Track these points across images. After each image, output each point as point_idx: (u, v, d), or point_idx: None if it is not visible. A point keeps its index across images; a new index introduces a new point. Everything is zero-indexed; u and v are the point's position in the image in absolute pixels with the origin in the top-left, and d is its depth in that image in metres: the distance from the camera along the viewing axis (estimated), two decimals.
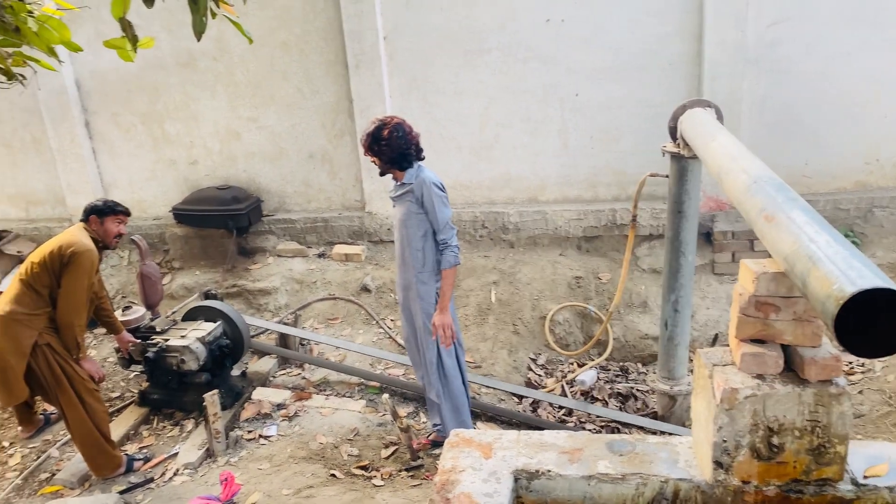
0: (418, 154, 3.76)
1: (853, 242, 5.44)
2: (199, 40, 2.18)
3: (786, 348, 1.99)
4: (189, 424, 4.33)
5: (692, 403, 2.26)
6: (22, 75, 3.05)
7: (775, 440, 1.95)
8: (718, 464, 2.00)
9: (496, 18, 5.64)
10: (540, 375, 5.09)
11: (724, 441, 1.97)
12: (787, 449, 1.96)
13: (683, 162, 3.79)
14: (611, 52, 5.58)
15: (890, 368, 4.49)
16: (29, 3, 2.87)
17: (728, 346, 2.12)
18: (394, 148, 3.63)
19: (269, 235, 6.43)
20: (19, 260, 6.33)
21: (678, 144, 3.72)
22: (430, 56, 5.83)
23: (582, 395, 4.84)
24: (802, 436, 1.94)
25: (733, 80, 5.37)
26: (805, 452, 1.96)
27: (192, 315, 4.59)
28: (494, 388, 4.68)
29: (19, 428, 4.41)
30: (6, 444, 4.39)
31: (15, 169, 6.94)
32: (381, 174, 3.79)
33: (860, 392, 4.46)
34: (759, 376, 1.96)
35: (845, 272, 1.47)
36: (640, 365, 5.24)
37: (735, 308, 2.01)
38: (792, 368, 1.99)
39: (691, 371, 4.28)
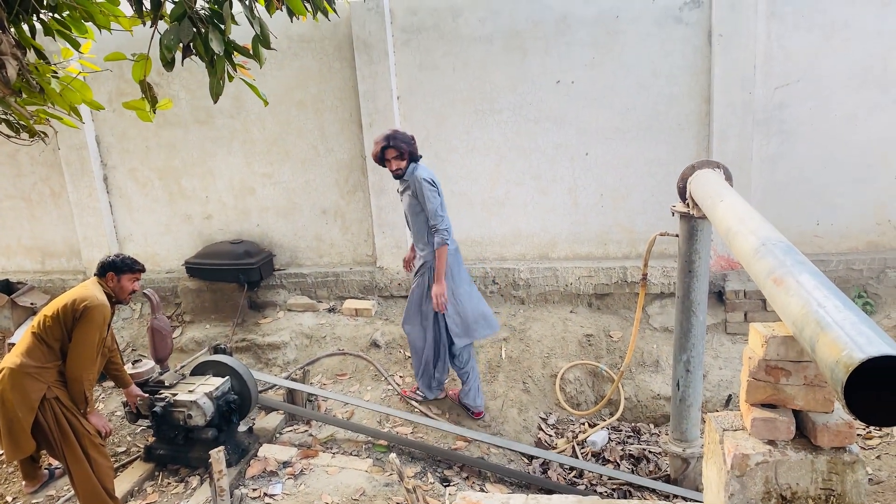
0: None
1: (866, 304, 5.39)
2: (215, 102, 2.24)
3: (797, 413, 1.96)
4: (194, 481, 4.28)
5: (703, 469, 2.22)
6: (44, 132, 3.13)
7: None
8: None
9: (508, 80, 5.76)
10: (550, 435, 5.01)
11: None
12: None
13: (693, 222, 3.79)
14: (620, 112, 5.67)
15: None
16: (54, 65, 2.97)
17: (739, 409, 2.09)
18: (406, 140, 4.46)
19: (280, 290, 6.46)
20: (32, 311, 6.38)
21: (688, 204, 3.74)
22: (443, 115, 5.95)
23: (593, 456, 4.75)
24: None
25: (742, 140, 5.42)
26: None
27: (200, 369, 4.58)
28: (504, 448, 4.60)
29: (23, 482, 4.36)
30: (10, 498, 4.34)
31: (33, 222, 7.06)
32: (397, 174, 4.48)
33: (878, 457, 4.35)
34: (771, 442, 1.93)
35: (854, 338, 1.46)
36: (652, 426, 5.14)
37: (745, 372, 1.99)
38: (804, 434, 1.95)
39: (703, 433, 4.20)
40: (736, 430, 2.00)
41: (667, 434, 4.48)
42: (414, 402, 5.03)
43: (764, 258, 2.09)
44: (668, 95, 5.57)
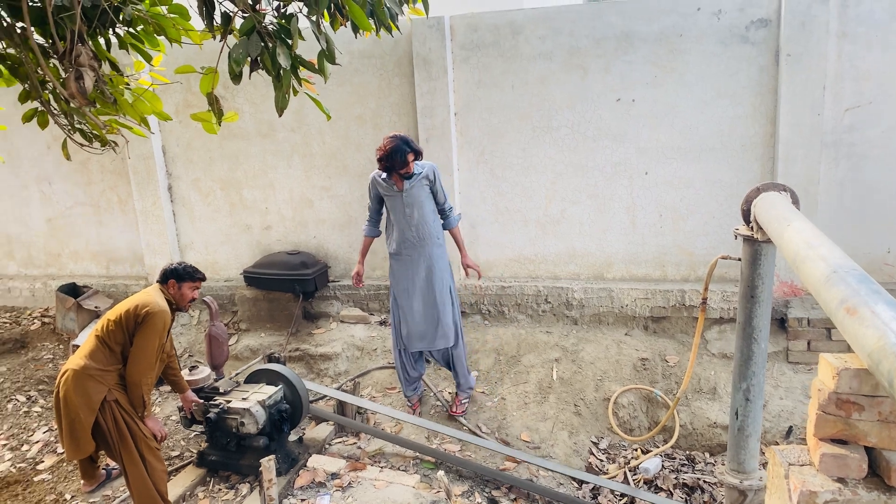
0: None
1: None
2: (280, 115, 2.27)
3: (870, 451, 1.86)
4: (244, 489, 4.33)
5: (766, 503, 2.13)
6: (114, 142, 3.24)
7: None
8: None
9: (567, 97, 5.72)
10: (601, 460, 4.90)
11: None
12: None
13: (757, 246, 3.67)
14: (682, 132, 5.56)
15: None
16: (127, 77, 3.08)
17: (805, 442, 1.99)
18: (419, 150, 4.72)
19: (333, 301, 6.53)
20: (96, 315, 6.59)
21: (751, 228, 3.62)
22: (500, 132, 5.94)
23: (645, 483, 4.62)
24: None
25: (809, 163, 5.25)
26: None
27: (254, 378, 4.65)
28: (553, 472, 4.52)
29: (81, 481, 4.49)
30: (68, 496, 4.47)
31: (100, 228, 7.32)
32: (407, 174, 4.65)
33: None
34: (841, 480, 1.83)
35: None
36: (707, 455, 4.98)
37: (814, 405, 1.90)
38: (877, 473, 1.85)
39: (763, 465, 4.06)
40: (802, 466, 1.91)
41: (723, 464, 4.32)
42: (463, 420, 5.00)
43: (835, 286, 2.00)
44: (731, 116, 5.44)
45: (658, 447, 4.97)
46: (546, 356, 5.65)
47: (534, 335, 5.93)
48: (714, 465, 4.82)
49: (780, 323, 5.48)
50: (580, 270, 6.13)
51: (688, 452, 5.00)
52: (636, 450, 5.01)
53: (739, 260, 3.87)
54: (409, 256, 4.86)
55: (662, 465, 4.79)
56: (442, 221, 4.94)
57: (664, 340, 5.72)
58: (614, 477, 4.66)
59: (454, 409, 5.08)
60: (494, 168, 6.02)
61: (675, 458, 4.92)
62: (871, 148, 5.27)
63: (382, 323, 6.33)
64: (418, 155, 4.67)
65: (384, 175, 4.79)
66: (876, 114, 5.20)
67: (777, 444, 4.85)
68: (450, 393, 5.35)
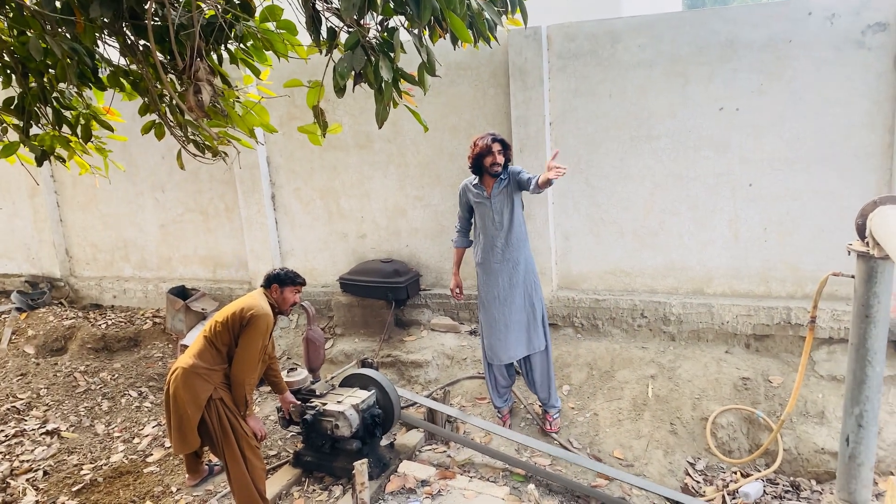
0: None
1: None
2: (380, 127, 2.33)
3: None
4: (337, 490, 4.43)
5: None
6: (225, 153, 3.42)
7: None
8: None
9: (667, 106, 5.58)
10: (698, 482, 4.72)
11: None
12: None
13: (873, 262, 3.46)
14: (788, 142, 5.31)
15: None
16: (237, 91, 3.24)
17: None
18: (511, 153, 4.82)
19: (424, 309, 6.60)
20: (203, 316, 6.94)
21: (867, 243, 3.42)
22: (596, 141, 5.85)
23: None
24: None
25: None
26: None
27: (348, 381, 4.76)
28: (647, 491, 4.38)
29: (186, 475, 4.72)
30: (174, 489, 4.71)
31: (208, 234, 7.71)
32: (495, 170, 4.70)
33: None
34: None
35: None
36: (814, 482, 4.70)
37: None
38: None
39: (877, 496, 3.80)
40: None
41: (831, 493, 4.08)
42: (554, 435, 4.95)
43: None
44: (844, 125, 5.15)
45: (759, 471, 4.74)
46: (641, 372, 5.50)
47: (628, 350, 5.79)
48: (821, 493, 4.55)
49: None
50: (678, 284, 5.94)
51: (792, 479, 4.74)
52: (735, 473, 4.80)
53: (853, 277, 3.65)
54: (497, 264, 4.87)
55: (764, 491, 4.57)
56: (534, 185, 4.53)
57: (767, 360, 5.46)
58: (712, 500, 4.47)
59: (549, 427, 5.03)
60: (590, 178, 5.94)
61: (777, 484, 4.67)
62: None
63: (472, 332, 6.35)
64: (506, 149, 4.72)
65: (475, 181, 4.86)
66: None
67: (893, 474, 4.53)
68: (539, 406, 5.30)
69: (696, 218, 5.72)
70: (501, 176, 4.77)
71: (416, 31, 2.24)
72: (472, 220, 5.05)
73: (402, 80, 2.39)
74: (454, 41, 2.53)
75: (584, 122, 5.86)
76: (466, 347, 6.16)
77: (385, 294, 6.34)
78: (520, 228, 4.85)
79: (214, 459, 4.83)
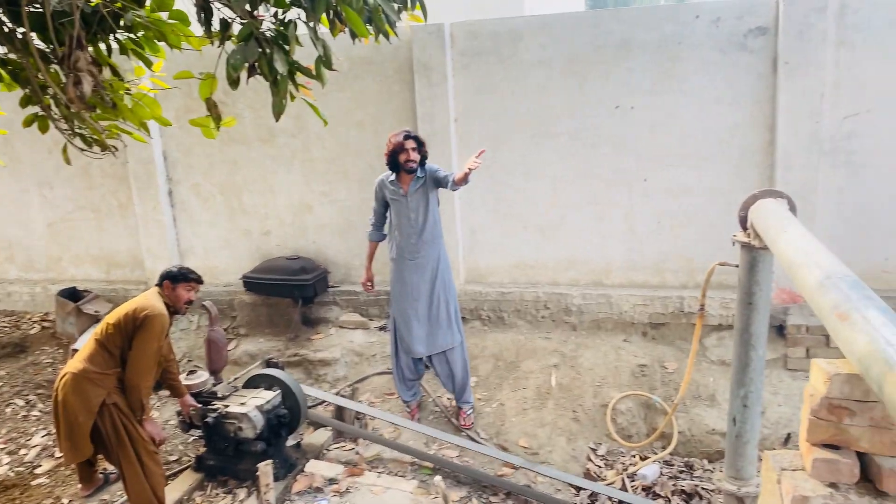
0: None
1: None
2: (277, 120, 2.29)
3: (862, 456, 1.87)
4: (241, 493, 4.33)
5: None
6: (114, 146, 3.26)
7: None
8: None
9: (566, 104, 5.74)
10: (600, 466, 4.89)
11: None
12: None
13: (754, 252, 3.67)
14: (680, 139, 5.58)
15: None
16: (128, 82, 3.10)
17: (799, 449, 2.00)
18: (426, 151, 4.82)
19: (332, 306, 6.54)
20: (96, 319, 6.60)
21: (748, 234, 3.63)
22: (500, 138, 5.96)
23: (643, 490, 4.61)
24: None
25: (807, 171, 5.27)
26: None
27: (252, 382, 4.66)
28: (551, 478, 4.52)
29: (79, 485, 4.49)
30: (66, 500, 4.48)
31: (101, 232, 7.34)
32: (410, 167, 4.70)
33: None
34: (833, 485, 1.84)
35: None
36: (706, 461, 4.97)
37: (806, 410, 1.91)
38: (869, 479, 1.86)
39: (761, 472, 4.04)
40: (795, 471, 1.92)
41: (721, 471, 4.31)
42: (467, 431, 4.99)
43: (828, 292, 2.00)
44: (730, 123, 5.46)
45: (656, 454, 4.96)
46: (545, 362, 5.65)
47: (533, 341, 5.93)
48: (712, 471, 4.82)
49: (779, 330, 5.49)
50: (580, 276, 6.14)
51: (686, 459, 4.99)
52: (634, 456, 5.01)
53: (737, 266, 3.87)
54: (411, 261, 4.90)
55: (661, 472, 4.79)
56: (452, 184, 4.65)
57: (663, 347, 5.72)
58: (612, 483, 4.65)
59: (462, 423, 5.07)
60: (495, 174, 6.03)
61: (673, 465, 4.91)
62: (869, 156, 5.28)
63: (382, 328, 6.34)
64: (421, 146, 4.74)
65: (391, 177, 4.86)
66: (874, 122, 5.22)
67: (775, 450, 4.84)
68: (448, 399, 5.35)
69: (596, 212, 5.92)
70: (418, 174, 4.79)
71: (311, 25, 2.21)
72: (387, 214, 5.04)
73: (298, 73, 2.35)
74: (353, 35, 2.52)
75: (489, 120, 5.95)
76: (376, 344, 6.14)
77: (291, 292, 6.24)
78: (435, 226, 4.90)
79: (110, 467, 4.62)
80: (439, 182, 4.78)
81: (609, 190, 5.84)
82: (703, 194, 5.63)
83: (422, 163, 4.79)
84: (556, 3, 11.96)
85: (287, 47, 2.17)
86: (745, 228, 3.72)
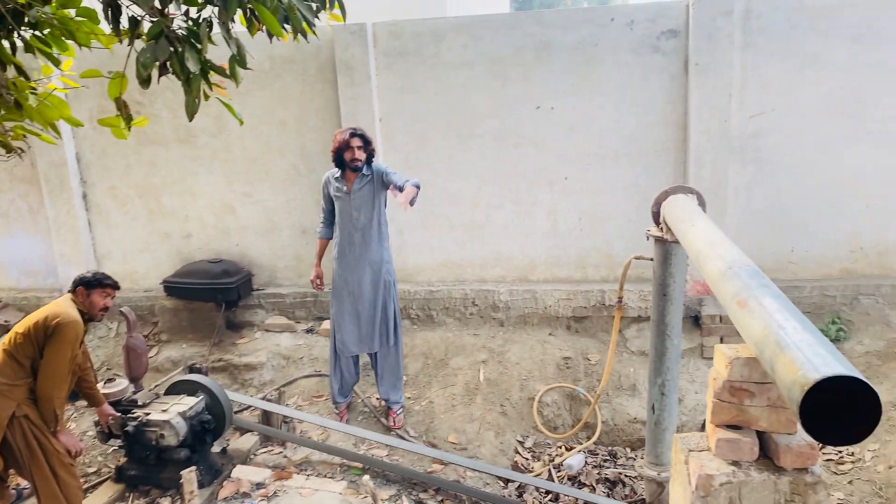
0: None
1: (839, 330, 5.46)
2: (191, 120, 2.25)
3: (761, 435, 1.98)
4: (165, 502, 4.22)
5: (670, 489, 2.23)
6: (20, 148, 3.13)
7: None
8: None
9: (489, 105, 5.83)
10: (527, 459, 5.00)
11: None
12: None
13: (667, 246, 3.84)
14: (598, 138, 5.75)
15: (880, 458, 4.43)
16: (35, 81, 2.98)
17: (706, 431, 2.11)
18: (373, 149, 4.81)
19: (258, 310, 6.43)
20: (5, 329, 6.29)
21: (661, 229, 3.79)
22: (425, 138, 6.00)
23: (569, 479, 4.74)
24: None
25: (717, 168, 5.51)
26: None
27: (175, 389, 4.54)
28: (480, 472, 4.58)
29: None
30: None
31: (9, 239, 6.98)
32: (355, 165, 4.70)
33: (850, 482, 4.39)
34: (735, 463, 1.95)
35: (810, 359, 1.49)
36: (628, 449, 5.15)
37: (710, 393, 2.01)
38: (768, 455, 1.98)
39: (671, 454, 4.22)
40: (701, 451, 2.02)
41: (642, 458, 4.49)
42: (397, 431, 4.99)
43: (730, 281, 2.13)
44: (645, 122, 5.66)
45: (581, 444, 5.10)
46: (473, 358, 5.72)
47: (461, 338, 5.99)
48: (634, 459, 4.99)
49: (695, 320, 5.73)
50: (505, 273, 6.24)
51: (610, 448, 5.15)
52: (560, 447, 5.14)
53: (652, 260, 4.03)
54: (354, 260, 4.88)
55: (586, 462, 4.93)
56: (400, 191, 4.57)
57: (586, 339, 5.88)
58: (539, 475, 4.76)
59: (392, 423, 5.06)
60: (420, 173, 6.05)
61: (597, 454, 5.06)
62: (774, 153, 5.57)
63: (309, 331, 6.28)
64: (367, 144, 4.72)
65: (337, 174, 4.84)
66: (778, 120, 5.51)
67: None
68: (377, 399, 5.35)
69: (519, 211, 6.03)
70: (364, 172, 4.76)
71: (223, 23, 2.18)
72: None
73: (212, 72, 2.32)
74: (270, 35, 2.50)
75: (413, 120, 5.98)
76: (303, 346, 6.08)
77: (214, 296, 6.10)
78: (380, 227, 4.87)
79: (23, 483, 4.41)
80: (387, 185, 4.74)
81: (532, 189, 5.97)
82: (620, 192, 5.82)
83: (369, 161, 4.77)
84: (480, 4, 12.12)
85: (199, 46, 2.14)
86: (658, 223, 3.88)
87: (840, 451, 4.69)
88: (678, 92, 5.56)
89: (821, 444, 4.06)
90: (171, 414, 4.16)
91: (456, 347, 5.87)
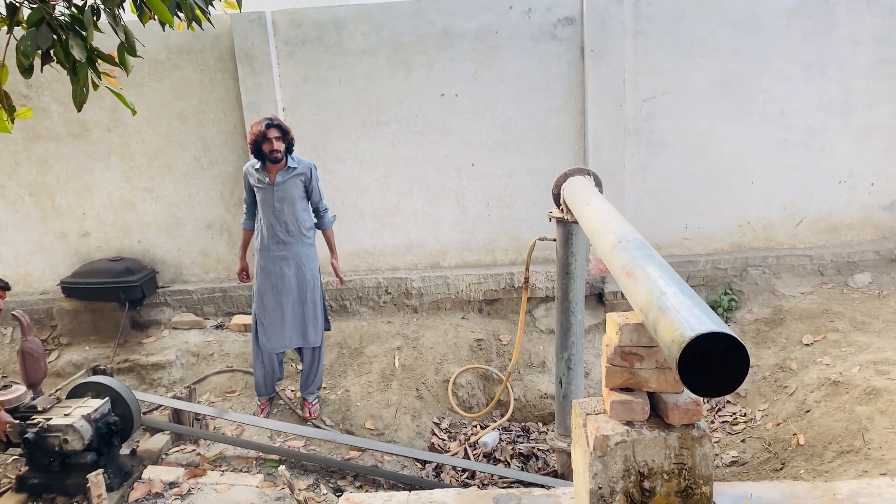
0: None
1: (731, 300, 5.83)
2: (79, 110, 2.19)
3: (652, 395, 2.12)
4: None
5: (572, 453, 2.36)
6: None
7: (646, 484, 2.06)
8: None
9: (394, 93, 5.86)
10: (443, 439, 5.10)
11: (600, 488, 2.06)
12: (658, 492, 2.07)
13: (568, 226, 4.00)
14: (502, 125, 5.88)
15: (769, 417, 4.77)
16: None
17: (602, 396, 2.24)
18: (292, 138, 4.68)
19: (164, 307, 6.25)
20: None
21: (562, 210, 3.95)
22: (331, 127, 5.97)
23: (485, 456, 4.88)
24: (670, 478, 2.06)
25: (615, 150, 5.76)
26: (674, 495, 2.07)
27: (78, 392, 4.37)
28: (397, 455, 4.65)
29: None
30: None
31: None
32: (275, 157, 4.57)
33: (743, 441, 4.71)
34: (629, 423, 2.08)
35: (687, 319, 1.62)
36: (540, 424, 5.34)
37: (604, 359, 2.14)
38: (658, 414, 2.12)
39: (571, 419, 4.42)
40: (598, 414, 2.15)
41: (553, 431, 4.67)
42: (314, 420, 4.98)
43: (619, 254, 2.26)
44: (546, 108, 5.84)
45: (495, 422, 5.25)
46: (388, 345, 5.77)
47: (376, 326, 6.02)
48: (546, 433, 5.18)
49: (599, 298, 5.98)
50: (417, 260, 6.31)
51: (523, 424, 5.33)
52: (476, 426, 5.27)
53: (555, 240, 4.19)
54: (278, 253, 4.78)
55: (500, 438, 5.08)
56: (315, 221, 4.92)
57: (497, 321, 6.04)
58: (455, 454, 4.87)
59: (308, 414, 5.02)
60: (328, 163, 6.03)
61: (511, 431, 5.22)
62: (667, 135, 5.87)
63: (219, 327, 6.16)
64: (285, 134, 4.58)
65: (258, 165, 4.70)
66: (669, 104, 5.80)
67: None
68: (292, 391, 5.33)
69: (428, 198, 6.10)
70: (289, 164, 4.66)
71: (108, 10, 2.12)
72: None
73: (100, 60, 2.25)
74: (162, 23, 2.45)
75: (317, 109, 5.94)
76: (213, 343, 5.96)
77: (117, 295, 5.88)
78: (303, 221, 4.79)
79: None
80: (311, 195, 4.81)
81: (440, 175, 6.05)
82: (524, 176, 5.98)
83: (289, 150, 4.66)
84: None
85: (84, 33, 2.07)
86: (558, 205, 4.04)
87: (734, 414, 5.02)
88: (576, 78, 5.76)
89: (705, 400, 4.33)
90: (74, 417, 4.00)
91: (370, 336, 5.90)
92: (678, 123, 5.83)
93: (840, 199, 6.05)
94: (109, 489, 3.90)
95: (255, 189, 4.75)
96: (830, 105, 5.82)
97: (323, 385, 5.40)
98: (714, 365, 1.59)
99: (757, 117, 5.83)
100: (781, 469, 4.18)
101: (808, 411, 4.45)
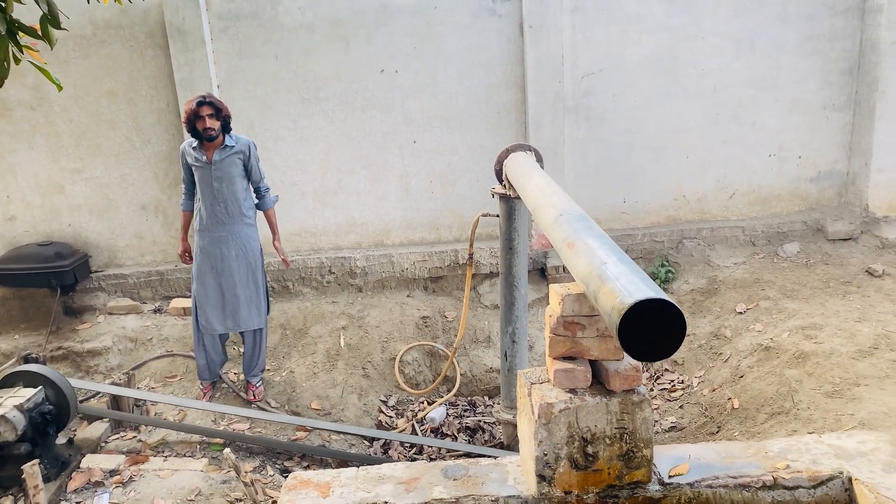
0: None
1: (668, 272, 5.99)
2: (0, 86, 2.08)
3: (594, 363, 2.18)
4: (7, 502, 3.93)
5: (518, 423, 2.40)
6: None
7: (590, 449, 2.12)
8: (542, 477, 2.14)
9: (332, 68, 5.77)
10: (391, 416, 5.12)
11: (545, 454, 2.11)
12: (601, 457, 2.13)
13: (511, 202, 4.04)
14: (443, 101, 5.87)
15: (705, 383, 4.95)
16: None
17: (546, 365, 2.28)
18: (222, 103, 4.51)
19: (98, 292, 6.05)
20: None
21: (504, 186, 3.98)
22: (268, 104, 5.84)
23: (433, 431, 4.92)
24: (613, 443, 2.12)
25: (555, 126, 5.82)
26: (617, 458, 2.14)
27: (8, 381, 4.20)
28: (344, 433, 4.65)
29: None
30: None
31: None
32: (209, 134, 4.43)
33: (681, 407, 4.88)
34: (572, 391, 2.13)
35: (626, 287, 1.66)
36: (486, 398, 5.41)
37: (548, 329, 2.18)
38: (600, 381, 2.18)
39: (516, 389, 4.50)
40: (542, 383, 2.19)
41: (498, 404, 4.74)
42: (258, 403, 4.92)
43: (561, 227, 2.30)
44: (487, 85, 5.84)
45: (442, 397, 5.30)
46: (333, 325, 5.73)
47: (320, 306, 5.97)
48: (492, 406, 5.25)
49: (542, 272, 6.06)
50: (361, 239, 6.26)
51: (469, 398, 5.39)
52: (423, 402, 5.30)
53: (498, 216, 4.23)
54: (217, 234, 4.66)
55: (447, 413, 5.13)
56: (256, 201, 4.84)
57: (443, 298, 6.06)
58: (403, 430, 4.90)
59: (252, 397, 4.94)
60: (265, 141, 5.91)
61: (458, 405, 5.28)
62: (605, 111, 5.96)
63: (157, 311, 6.00)
64: (219, 112, 4.44)
65: (194, 144, 4.55)
66: (607, 80, 5.89)
67: None
68: (235, 374, 5.25)
69: (371, 175, 6.06)
70: (227, 142, 4.53)
71: None
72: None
73: (21, 33, 2.14)
74: None
75: (254, 85, 5.80)
76: (151, 327, 5.81)
77: (47, 281, 5.66)
78: (243, 201, 4.68)
79: None
80: (251, 174, 4.71)
81: (381, 153, 6.00)
82: (467, 153, 5.99)
83: (226, 128, 4.52)
84: None
85: (4, 4, 1.97)
86: (500, 181, 4.06)
87: (672, 381, 5.19)
88: (516, 54, 5.78)
89: (644, 367, 4.46)
90: (5, 408, 3.85)
91: (315, 316, 5.85)
92: (616, 99, 5.92)
93: (770, 172, 6.27)
94: (46, 480, 3.79)
95: (193, 168, 4.62)
96: (760, 80, 6.01)
97: (267, 367, 5.34)
98: (653, 331, 1.63)
99: (691, 92, 5.97)
100: (717, 432, 4.35)
101: (741, 376, 4.64)
